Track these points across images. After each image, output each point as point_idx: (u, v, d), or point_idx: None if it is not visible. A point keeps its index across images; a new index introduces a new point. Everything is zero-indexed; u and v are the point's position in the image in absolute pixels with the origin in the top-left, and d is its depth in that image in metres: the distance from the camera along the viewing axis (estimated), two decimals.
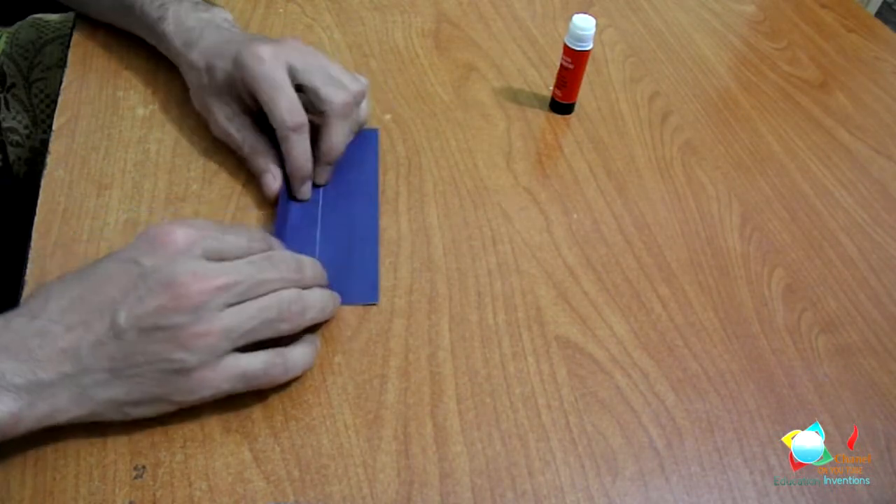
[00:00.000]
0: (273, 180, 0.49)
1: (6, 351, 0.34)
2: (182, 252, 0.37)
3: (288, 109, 0.47)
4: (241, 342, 0.37)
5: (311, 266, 0.42)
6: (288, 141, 0.48)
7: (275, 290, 0.38)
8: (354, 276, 0.46)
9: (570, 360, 0.44)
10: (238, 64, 0.48)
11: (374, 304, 0.45)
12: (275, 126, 0.48)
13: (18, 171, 0.74)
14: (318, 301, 0.41)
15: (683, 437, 0.41)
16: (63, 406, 0.35)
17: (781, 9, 0.83)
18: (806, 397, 0.44)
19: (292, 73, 0.49)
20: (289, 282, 0.39)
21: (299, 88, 0.49)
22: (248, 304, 0.37)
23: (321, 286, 0.42)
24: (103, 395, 0.35)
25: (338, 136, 0.50)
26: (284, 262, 0.40)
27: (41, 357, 0.34)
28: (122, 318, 0.35)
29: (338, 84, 0.50)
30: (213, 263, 0.37)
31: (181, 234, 0.37)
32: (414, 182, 0.54)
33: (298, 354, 0.39)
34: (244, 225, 0.41)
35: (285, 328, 0.38)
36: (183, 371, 0.35)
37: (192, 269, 0.36)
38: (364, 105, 0.54)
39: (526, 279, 0.48)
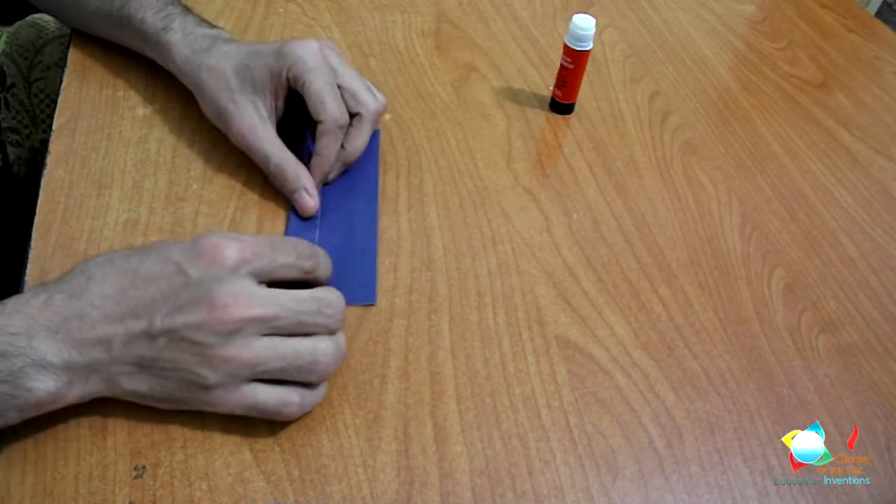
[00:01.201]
0: (309, 198, 0.49)
1: (46, 329, 0.35)
2: (230, 270, 0.37)
3: (339, 105, 0.48)
4: (265, 376, 0.37)
5: (343, 310, 0.40)
6: (330, 136, 0.49)
7: (313, 333, 0.38)
8: (352, 277, 0.46)
9: (570, 360, 0.44)
10: (286, 55, 0.48)
11: (372, 305, 0.45)
12: (322, 118, 0.48)
13: (18, 171, 0.74)
14: (344, 352, 0.40)
15: (683, 437, 0.41)
16: (94, 389, 0.36)
17: (781, 9, 0.83)
18: (806, 397, 0.44)
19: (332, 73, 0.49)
20: (328, 329, 0.39)
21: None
22: (282, 342, 0.37)
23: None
24: (129, 386, 0.36)
25: (363, 140, 0.51)
26: (331, 306, 0.39)
27: (78, 339, 0.35)
28: (158, 322, 0.35)
29: (370, 91, 0.51)
30: (258, 289, 0.37)
31: (233, 252, 0.37)
32: (414, 182, 0.54)
33: (315, 396, 0.39)
34: (293, 240, 0.41)
35: (312, 379, 0.38)
36: (202, 386, 0.36)
37: (236, 293, 0.36)
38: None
39: (526, 279, 0.48)
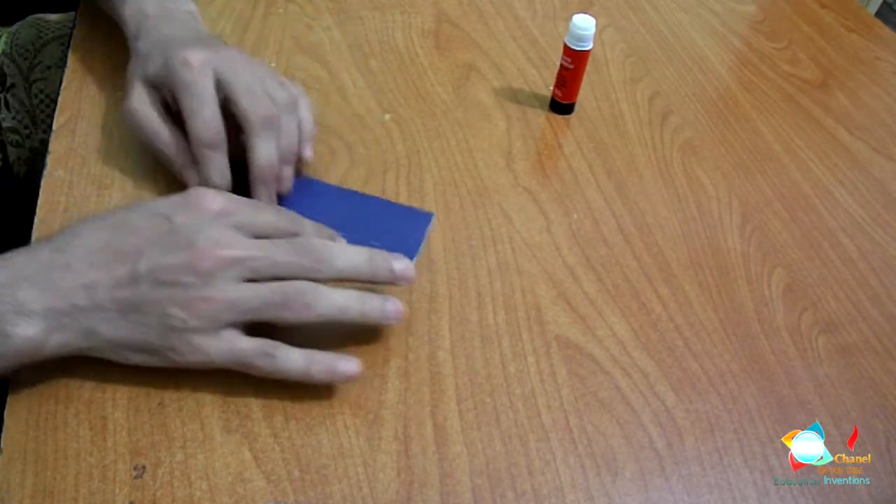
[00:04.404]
0: (194, 177, 0.47)
1: (28, 280, 0.36)
2: (214, 217, 0.38)
3: (204, 122, 0.45)
4: (243, 318, 0.37)
5: (349, 257, 0.40)
6: (202, 158, 0.45)
7: (294, 277, 0.38)
8: (398, 232, 0.49)
9: (570, 360, 0.44)
10: (167, 66, 0.46)
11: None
12: (191, 138, 0.45)
13: (18, 171, 0.74)
14: (337, 300, 0.39)
15: (683, 437, 0.41)
16: (73, 338, 0.37)
17: (781, 9, 0.83)
18: (806, 397, 0.44)
19: (219, 85, 0.46)
20: (307, 271, 0.39)
21: (226, 101, 0.47)
22: (259, 284, 0.38)
23: (363, 286, 0.41)
24: (108, 334, 0.37)
25: (261, 152, 0.46)
26: (309, 251, 0.39)
27: (61, 287, 0.36)
28: (142, 266, 0.36)
29: (261, 96, 0.46)
30: (238, 236, 0.38)
31: (218, 202, 0.39)
32: (414, 182, 0.54)
33: (292, 358, 0.38)
34: (279, 207, 0.42)
35: (288, 316, 0.38)
36: (181, 330, 0.37)
37: (216, 236, 0.37)
38: (305, 115, 0.50)
39: (526, 279, 0.48)
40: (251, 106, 0.46)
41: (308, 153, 0.51)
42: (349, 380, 0.39)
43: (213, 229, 0.38)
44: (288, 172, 0.48)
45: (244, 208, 0.40)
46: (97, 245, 0.37)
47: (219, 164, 0.46)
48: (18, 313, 0.35)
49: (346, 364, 0.39)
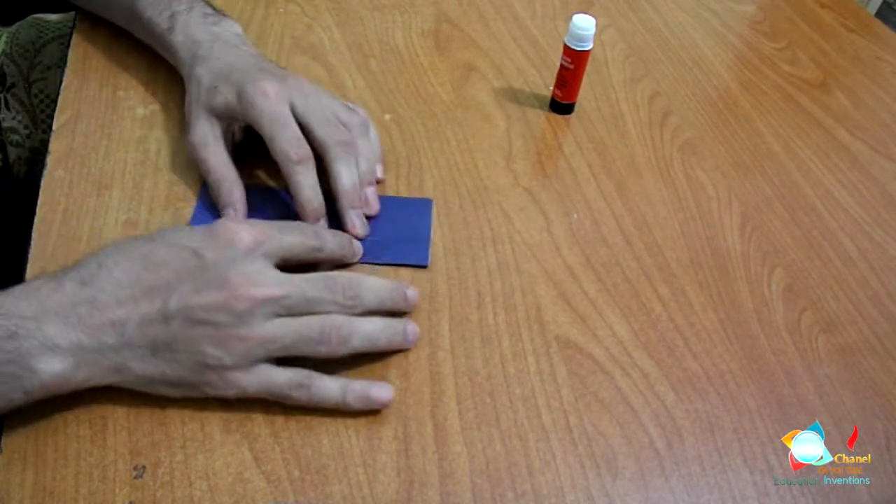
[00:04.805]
0: (234, 214, 0.47)
1: (55, 313, 0.35)
2: (244, 253, 0.38)
3: (290, 141, 0.46)
4: (277, 354, 0.38)
5: (375, 292, 0.42)
6: (293, 174, 0.46)
7: (325, 312, 0.39)
8: (406, 240, 0.49)
9: (570, 360, 0.44)
10: (242, 98, 0.47)
11: (425, 267, 0.47)
12: (278, 160, 0.46)
13: (18, 171, 0.74)
14: (368, 331, 0.40)
15: (683, 437, 0.41)
16: (101, 373, 0.36)
17: (781, 9, 0.83)
18: (806, 397, 0.44)
19: (293, 112, 0.47)
20: (340, 307, 0.40)
21: (301, 130, 0.48)
22: (293, 319, 0.38)
23: (389, 313, 0.42)
24: (140, 371, 0.37)
25: (345, 178, 0.47)
26: (342, 286, 0.40)
27: (88, 324, 0.35)
28: (173, 303, 0.36)
29: (335, 124, 0.48)
30: (271, 271, 0.39)
31: (247, 234, 0.39)
32: (414, 182, 0.54)
33: (325, 386, 0.39)
34: (297, 223, 0.43)
35: (323, 351, 0.39)
36: (216, 368, 0.37)
37: (249, 274, 0.37)
38: (374, 137, 0.52)
39: (526, 279, 0.48)
40: (328, 134, 0.47)
41: (381, 174, 0.53)
42: (383, 406, 0.40)
43: (245, 265, 0.38)
44: (371, 193, 0.50)
45: (271, 236, 0.40)
46: (124, 279, 0.37)
47: (311, 181, 0.46)
48: (46, 349, 0.34)
49: (379, 390, 0.40)
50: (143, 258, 0.38)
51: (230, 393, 0.38)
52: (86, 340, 0.35)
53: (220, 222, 0.40)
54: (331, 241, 0.44)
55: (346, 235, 0.46)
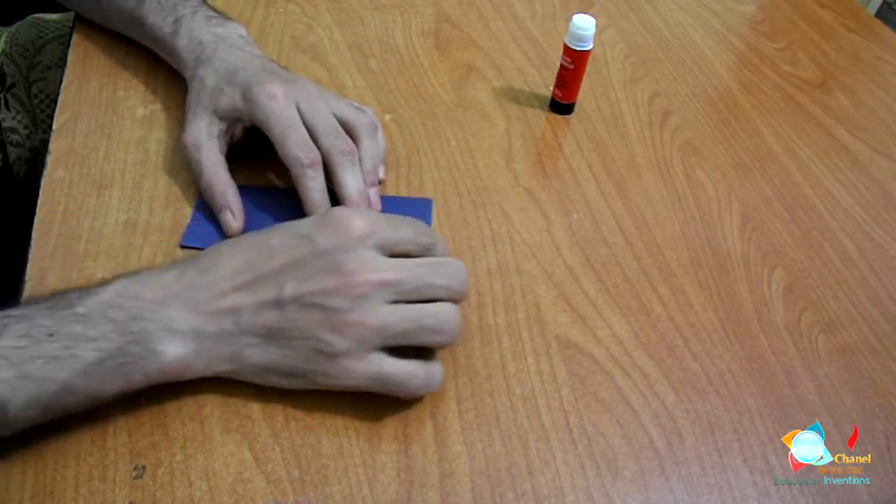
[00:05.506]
0: (232, 219, 0.47)
1: (177, 298, 0.37)
2: (357, 240, 0.38)
3: (301, 146, 0.46)
4: (393, 342, 0.38)
5: (466, 279, 0.41)
6: (303, 177, 0.46)
7: (438, 299, 0.39)
8: None
9: (570, 360, 0.44)
10: (249, 99, 0.47)
11: None
12: (288, 163, 0.46)
13: (18, 171, 0.74)
14: (460, 322, 0.40)
15: (683, 437, 0.41)
16: (218, 359, 0.37)
17: (781, 9, 0.83)
18: (806, 397, 0.44)
19: (299, 115, 0.48)
20: (454, 293, 0.40)
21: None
22: (408, 306, 0.38)
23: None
24: (253, 359, 0.37)
25: (351, 185, 0.47)
26: (454, 272, 0.40)
27: (208, 310, 0.37)
28: (288, 289, 0.37)
29: (340, 133, 0.48)
30: (382, 258, 0.38)
31: (359, 223, 0.39)
32: (414, 182, 0.54)
33: (440, 372, 0.39)
34: (411, 219, 0.42)
35: (438, 340, 0.39)
36: (330, 354, 0.37)
37: (364, 259, 0.37)
38: (381, 138, 0.52)
39: (526, 279, 0.48)
40: (332, 144, 0.47)
41: (383, 174, 0.53)
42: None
43: (358, 252, 0.38)
44: (374, 194, 0.49)
45: (384, 227, 0.39)
46: (241, 265, 0.38)
47: (320, 184, 0.46)
48: (169, 332, 0.36)
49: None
50: (258, 247, 0.38)
51: (343, 383, 0.38)
52: (206, 326, 0.36)
53: (335, 210, 0.40)
54: (440, 244, 0.43)
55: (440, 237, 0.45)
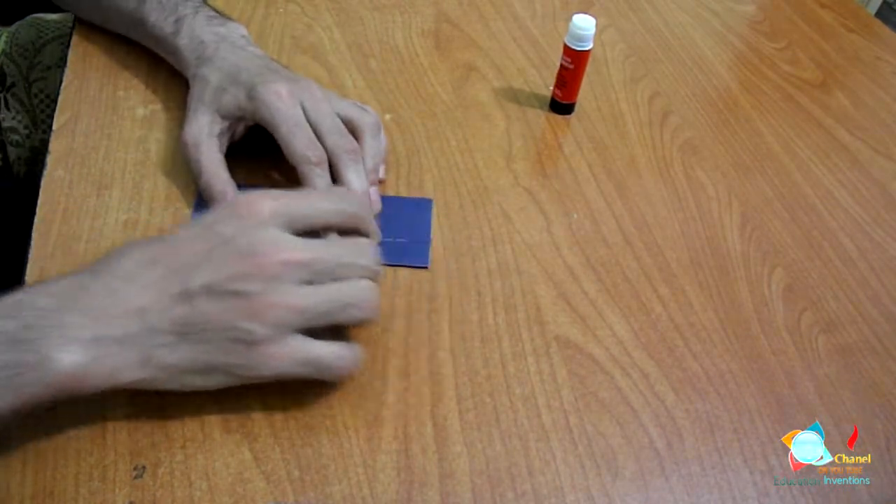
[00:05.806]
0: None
1: (74, 305, 0.34)
2: (264, 222, 0.37)
3: (307, 144, 0.46)
4: (314, 323, 0.37)
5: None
6: (311, 174, 0.46)
7: (354, 277, 0.38)
8: (406, 240, 0.49)
9: (570, 360, 0.44)
10: (254, 98, 0.47)
11: (425, 268, 0.48)
12: (295, 161, 0.46)
13: (18, 171, 0.74)
14: (379, 297, 0.40)
15: (683, 437, 0.41)
16: (126, 366, 0.34)
17: (781, 9, 0.83)
18: (806, 397, 0.44)
19: (304, 114, 0.48)
20: (370, 272, 0.39)
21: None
22: (324, 286, 0.37)
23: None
24: (167, 360, 0.35)
25: (356, 184, 0.48)
26: (365, 249, 0.40)
27: (109, 313, 0.34)
28: (196, 280, 0.35)
29: (341, 132, 0.48)
30: (294, 237, 0.37)
31: (266, 203, 0.37)
32: (414, 182, 0.54)
33: (360, 351, 0.39)
34: (338, 189, 0.42)
35: (360, 316, 0.38)
36: (249, 343, 0.35)
37: (272, 239, 0.36)
38: (381, 136, 0.52)
39: (526, 279, 0.48)
40: (336, 143, 0.47)
41: (383, 174, 0.53)
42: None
43: (267, 233, 0.36)
44: (374, 193, 0.50)
45: (293, 204, 0.38)
46: (143, 264, 0.36)
47: (326, 182, 0.47)
48: (65, 338, 0.33)
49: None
50: (163, 242, 0.37)
51: (266, 373, 0.36)
52: (107, 330, 0.34)
53: (239, 196, 0.39)
54: (355, 201, 0.42)
55: (359, 193, 0.46)
